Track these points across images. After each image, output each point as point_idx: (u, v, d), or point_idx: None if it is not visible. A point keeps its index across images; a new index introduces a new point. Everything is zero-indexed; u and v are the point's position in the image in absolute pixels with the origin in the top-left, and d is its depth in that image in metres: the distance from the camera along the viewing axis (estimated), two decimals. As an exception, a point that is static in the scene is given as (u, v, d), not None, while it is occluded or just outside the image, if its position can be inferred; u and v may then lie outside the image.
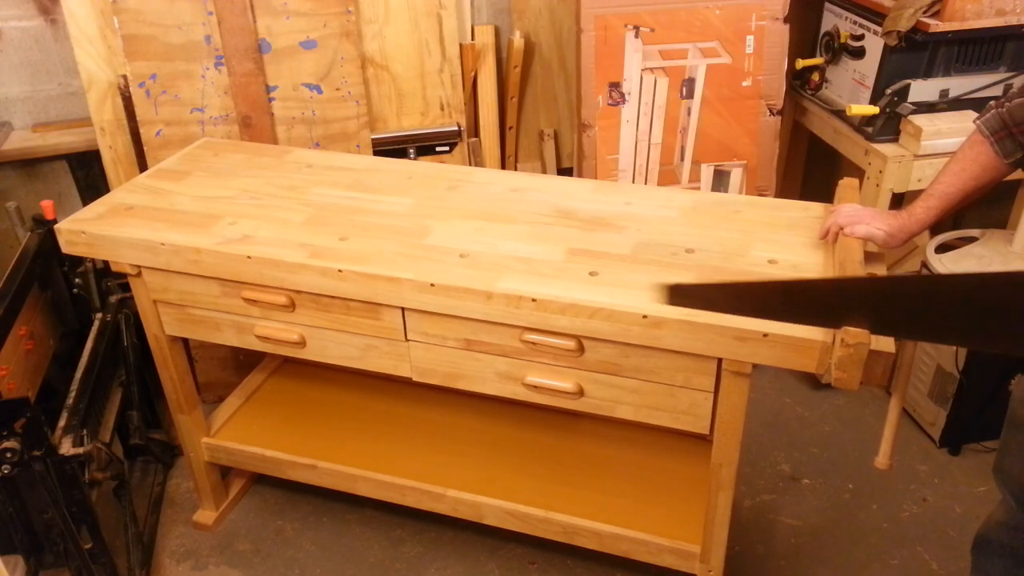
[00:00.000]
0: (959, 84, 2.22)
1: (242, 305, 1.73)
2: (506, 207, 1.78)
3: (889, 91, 2.21)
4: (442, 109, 2.49)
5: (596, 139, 2.44)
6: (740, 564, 2.04)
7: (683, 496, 1.87)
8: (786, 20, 2.38)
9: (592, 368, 1.54)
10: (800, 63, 2.54)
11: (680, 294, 1.21)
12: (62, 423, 1.77)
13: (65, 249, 1.80)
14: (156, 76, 2.22)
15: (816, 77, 2.54)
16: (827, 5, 2.47)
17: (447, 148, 2.51)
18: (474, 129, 2.64)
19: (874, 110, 2.23)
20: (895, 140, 2.26)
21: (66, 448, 1.70)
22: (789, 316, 1.07)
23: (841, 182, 1.74)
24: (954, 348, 2.23)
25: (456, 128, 2.49)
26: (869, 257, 1.50)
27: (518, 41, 2.55)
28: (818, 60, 2.51)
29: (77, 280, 2.16)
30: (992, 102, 1.44)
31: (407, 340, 1.65)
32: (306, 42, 2.28)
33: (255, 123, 2.31)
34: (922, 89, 2.21)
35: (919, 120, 2.18)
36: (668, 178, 2.52)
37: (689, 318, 1.38)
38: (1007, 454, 1.50)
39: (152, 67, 2.22)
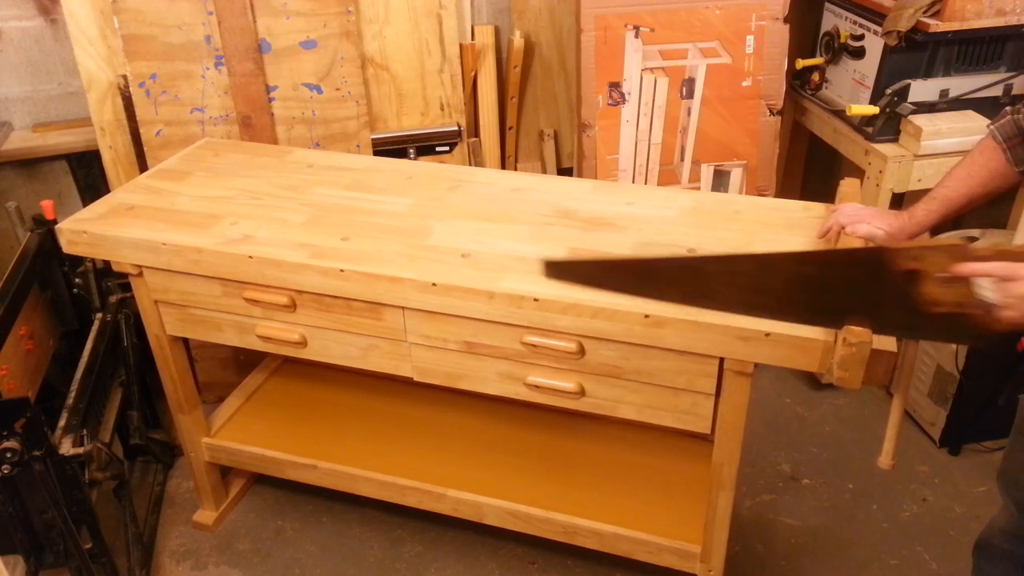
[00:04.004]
0: (959, 84, 2.22)
1: (243, 305, 1.73)
2: (506, 207, 1.78)
3: (889, 91, 2.21)
4: (442, 109, 2.49)
5: (596, 139, 2.44)
6: (740, 564, 2.04)
7: (683, 496, 1.87)
8: (786, 20, 2.39)
9: (594, 370, 1.54)
10: (800, 63, 2.54)
11: (558, 270, 1.27)
12: (62, 423, 1.77)
13: (66, 249, 1.80)
14: (156, 76, 2.22)
15: (816, 77, 2.54)
16: (827, 5, 2.47)
17: (447, 148, 2.51)
18: (474, 129, 2.64)
19: (874, 110, 2.23)
20: (895, 140, 2.26)
21: (66, 448, 1.70)
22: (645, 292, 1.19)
23: (843, 182, 1.74)
24: (954, 348, 2.23)
25: (456, 128, 2.49)
26: (870, 257, 1.50)
27: (518, 41, 2.55)
28: (818, 60, 2.51)
29: (77, 280, 2.16)
30: (1008, 107, 1.41)
31: (408, 340, 1.65)
32: (306, 42, 2.28)
33: (255, 123, 2.30)
34: (922, 89, 2.21)
35: (919, 120, 2.18)
36: (668, 178, 2.52)
37: (691, 318, 1.38)
38: (1013, 462, 1.49)
39: (152, 67, 2.21)
